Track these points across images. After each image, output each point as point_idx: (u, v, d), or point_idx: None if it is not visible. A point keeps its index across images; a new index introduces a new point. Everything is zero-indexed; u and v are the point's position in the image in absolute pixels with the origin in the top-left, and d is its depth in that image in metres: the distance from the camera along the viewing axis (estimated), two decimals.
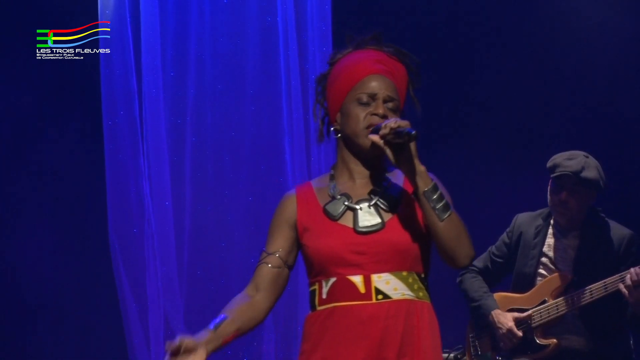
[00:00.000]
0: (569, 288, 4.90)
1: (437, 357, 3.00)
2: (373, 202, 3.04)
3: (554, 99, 6.48)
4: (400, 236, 2.99)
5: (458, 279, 5.24)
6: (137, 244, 6.03)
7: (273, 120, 6.16)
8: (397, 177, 3.11)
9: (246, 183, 6.11)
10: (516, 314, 5.00)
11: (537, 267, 5.02)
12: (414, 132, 2.86)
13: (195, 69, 6.18)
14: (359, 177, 3.10)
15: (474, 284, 5.16)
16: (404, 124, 2.91)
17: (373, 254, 2.98)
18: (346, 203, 3.03)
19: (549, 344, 4.93)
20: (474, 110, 6.59)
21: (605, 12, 6.32)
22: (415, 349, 2.96)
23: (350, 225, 3.01)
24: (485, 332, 5.13)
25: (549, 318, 4.93)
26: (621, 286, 4.69)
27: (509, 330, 4.99)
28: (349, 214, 3.02)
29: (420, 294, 3.02)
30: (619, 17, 6.30)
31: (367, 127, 3.03)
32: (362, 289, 2.97)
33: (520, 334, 4.97)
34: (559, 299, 4.89)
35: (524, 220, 5.13)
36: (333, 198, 3.06)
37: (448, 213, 2.94)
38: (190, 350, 2.87)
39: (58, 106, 6.39)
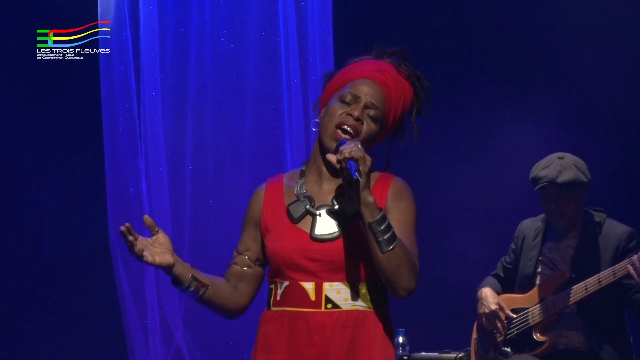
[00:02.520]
0: (569, 286, 4.91)
1: None
2: (334, 209, 2.98)
3: (546, 97, 6.47)
4: (356, 247, 2.94)
5: None
6: None
7: (273, 120, 6.15)
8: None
9: (246, 183, 6.10)
10: (504, 311, 5.02)
11: (536, 268, 5.05)
12: (355, 177, 2.80)
13: (195, 68, 6.17)
14: (327, 180, 3.04)
15: (486, 280, 5.20)
16: (358, 156, 2.82)
17: (326, 262, 2.94)
18: (307, 207, 2.99)
19: (547, 340, 4.94)
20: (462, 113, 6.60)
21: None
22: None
23: (307, 230, 2.97)
24: (489, 333, 5.14)
25: (547, 315, 4.94)
26: (630, 268, 4.68)
27: (492, 312, 5.03)
28: (308, 218, 2.98)
29: (374, 304, 2.98)
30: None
31: (337, 126, 2.98)
32: (312, 296, 2.94)
33: (502, 318, 5.00)
34: (556, 295, 4.91)
35: (527, 225, 5.19)
36: (297, 199, 3.02)
37: (391, 246, 2.85)
38: (153, 231, 2.97)
39: (57, 106, 6.39)
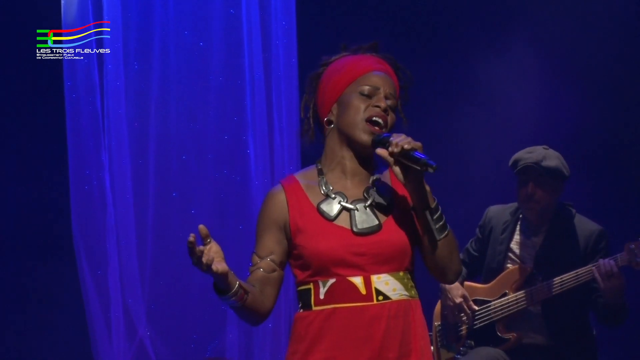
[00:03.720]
0: (530, 281, 4.93)
1: (429, 355, 3.03)
2: (368, 202, 3.02)
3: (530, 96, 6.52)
4: (398, 237, 2.99)
5: None
6: (99, 237, 6.01)
7: (237, 113, 6.15)
8: (386, 176, 3.10)
9: (210, 176, 6.10)
10: (468, 303, 5.04)
11: (504, 263, 5.04)
12: (435, 165, 2.85)
13: (159, 62, 6.16)
14: (352, 174, 3.06)
15: None
16: (417, 146, 2.89)
17: (373, 255, 2.97)
18: (342, 203, 3.01)
19: (510, 338, 4.96)
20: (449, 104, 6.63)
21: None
22: (414, 348, 2.98)
23: (348, 226, 2.98)
24: (452, 324, 5.15)
25: (509, 312, 4.96)
26: (596, 273, 4.72)
27: (457, 305, 5.04)
28: (345, 214, 3.00)
29: (413, 292, 3.04)
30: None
31: (366, 120, 3.01)
32: (363, 290, 2.96)
33: (467, 311, 5.02)
34: (519, 292, 4.92)
35: (494, 214, 5.14)
36: (327, 197, 3.03)
37: (445, 232, 2.96)
38: (206, 241, 2.86)
39: (20, 100, 6.36)
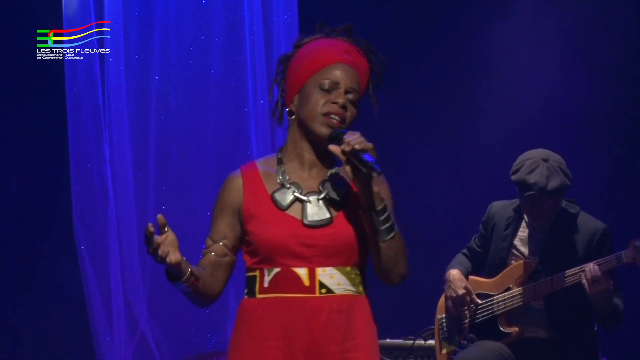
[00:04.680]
0: (534, 276, 4.92)
1: (375, 351, 3.02)
2: (322, 195, 3.01)
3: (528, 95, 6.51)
4: (347, 232, 2.98)
5: None
6: (100, 230, 6.01)
7: (238, 106, 6.15)
8: (345, 171, 3.07)
9: (211, 169, 6.10)
10: (471, 296, 5.03)
11: (507, 259, 5.01)
12: (379, 170, 2.85)
13: (160, 55, 6.16)
14: (309, 166, 3.06)
15: (457, 259, 5.18)
16: (368, 147, 2.89)
17: (320, 247, 2.96)
18: (296, 194, 3.00)
19: (512, 332, 4.95)
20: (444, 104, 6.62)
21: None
22: (358, 344, 2.97)
23: (299, 217, 2.97)
24: (454, 317, 5.14)
25: (512, 306, 4.95)
26: (582, 278, 4.71)
27: (459, 297, 5.03)
28: (298, 205, 2.99)
29: (360, 288, 3.03)
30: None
31: (324, 114, 3.00)
32: (306, 282, 2.95)
33: (469, 303, 5.01)
34: (522, 287, 4.91)
35: (497, 210, 5.10)
36: (282, 186, 3.03)
37: (392, 234, 2.95)
38: (163, 230, 2.88)
39: (22, 96, 6.36)
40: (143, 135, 6.12)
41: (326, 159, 3.07)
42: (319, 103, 3.01)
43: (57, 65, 6.05)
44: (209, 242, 3.08)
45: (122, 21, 6.07)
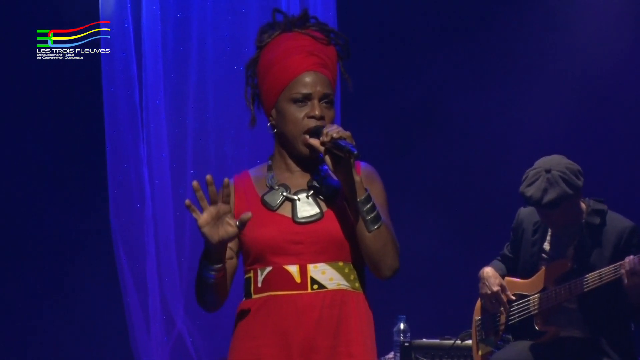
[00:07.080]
0: (568, 276, 4.89)
1: (371, 347, 3.02)
2: (311, 192, 3.03)
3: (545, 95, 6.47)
4: (338, 227, 2.98)
5: None
6: (137, 230, 6.03)
7: None
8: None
9: (248, 167, 6.08)
10: (506, 292, 5.02)
11: (538, 264, 5.02)
12: (356, 152, 2.86)
13: (197, 54, 6.17)
14: (295, 169, 3.07)
15: (494, 263, 5.17)
16: (346, 135, 2.90)
17: (310, 243, 2.97)
18: (284, 194, 3.01)
19: (548, 331, 4.93)
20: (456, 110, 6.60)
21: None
22: (351, 339, 2.97)
23: (289, 215, 2.99)
24: (491, 317, 5.13)
25: (548, 306, 4.93)
26: (621, 269, 4.68)
27: (494, 294, 5.02)
28: (288, 204, 3.01)
29: (356, 284, 3.02)
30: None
31: (305, 132, 3.01)
32: (297, 279, 2.96)
33: (504, 300, 5.00)
34: (557, 287, 4.89)
35: (525, 215, 5.11)
36: (271, 188, 3.04)
37: (377, 225, 2.93)
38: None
39: (59, 101, 6.39)
40: (181, 134, 6.14)
41: (313, 162, 3.07)
42: (298, 120, 3.01)
43: (93, 65, 6.07)
44: None
45: (159, 20, 6.09)
